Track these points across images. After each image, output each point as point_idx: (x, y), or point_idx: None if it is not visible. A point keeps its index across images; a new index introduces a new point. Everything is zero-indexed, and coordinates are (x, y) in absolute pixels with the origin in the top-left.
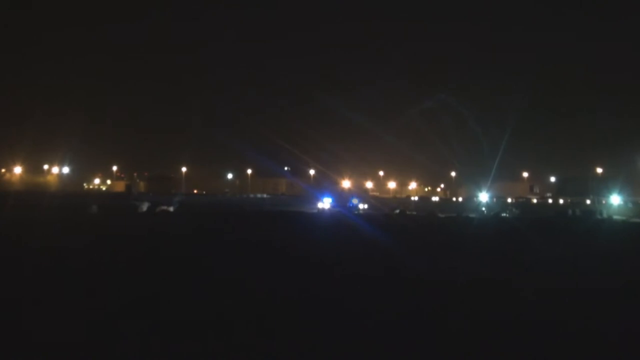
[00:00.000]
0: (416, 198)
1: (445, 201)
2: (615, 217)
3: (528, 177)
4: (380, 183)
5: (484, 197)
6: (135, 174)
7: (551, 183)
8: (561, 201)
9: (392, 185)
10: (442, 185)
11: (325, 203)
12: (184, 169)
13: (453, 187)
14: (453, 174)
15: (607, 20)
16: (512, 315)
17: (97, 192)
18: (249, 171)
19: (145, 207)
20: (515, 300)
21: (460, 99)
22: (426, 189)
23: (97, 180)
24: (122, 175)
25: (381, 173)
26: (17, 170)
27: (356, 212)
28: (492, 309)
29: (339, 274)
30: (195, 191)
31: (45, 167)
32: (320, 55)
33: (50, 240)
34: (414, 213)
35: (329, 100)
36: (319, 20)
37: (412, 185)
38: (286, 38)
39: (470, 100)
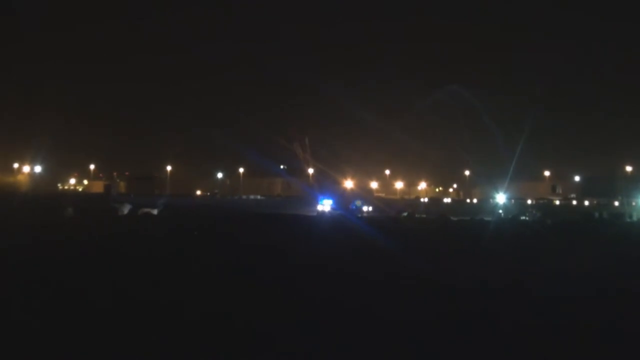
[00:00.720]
0: (426, 199)
1: (458, 203)
2: None
3: (550, 177)
4: (386, 183)
5: (501, 198)
6: (115, 174)
7: (575, 183)
8: (587, 203)
9: (399, 185)
10: (454, 186)
11: (326, 205)
12: (168, 168)
13: (467, 187)
14: (467, 173)
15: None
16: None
17: (73, 193)
18: (241, 170)
19: (126, 209)
20: (527, 311)
21: (475, 93)
22: (437, 190)
23: (72, 180)
24: (101, 175)
25: (387, 172)
26: None
27: (359, 216)
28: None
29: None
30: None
31: (15, 165)
32: (321, 55)
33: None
34: (424, 216)
35: (330, 95)
36: (319, 20)
37: (422, 185)
38: (287, 38)
39: (486, 94)
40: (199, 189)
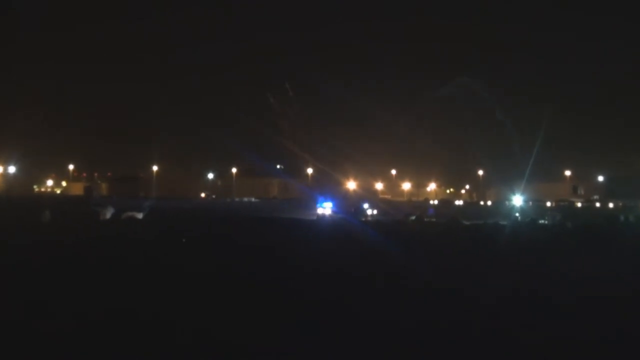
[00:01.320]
0: (436, 202)
1: (471, 205)
2: None
3: (571, 177)
4: (392, 184)
5: (517, 200)
6: (95, 174)
7: (599, 183)
8: (611, 205)
9: (406, 186)
10: (467, 187)
11: (326, 208)
12: (154, 168)
13: (480, 188)
14: (480, 173)
15: None
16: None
17: (50, 196)
18: (234, 170)
19: (108, 213)
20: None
21: (487, 86)
22: (448, 191)
23: (50, 182)
24: (84, 175)
25: (394, 172)
26: None
27: (363, 219)
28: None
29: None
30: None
31: None
32: (321, 55)
33: None
34: (433, 220)
35: (331, 90)
36: (319, 20)
37: (431, 186)
38: (287, 38)
39: (499, 88)
40: (197, 191)
